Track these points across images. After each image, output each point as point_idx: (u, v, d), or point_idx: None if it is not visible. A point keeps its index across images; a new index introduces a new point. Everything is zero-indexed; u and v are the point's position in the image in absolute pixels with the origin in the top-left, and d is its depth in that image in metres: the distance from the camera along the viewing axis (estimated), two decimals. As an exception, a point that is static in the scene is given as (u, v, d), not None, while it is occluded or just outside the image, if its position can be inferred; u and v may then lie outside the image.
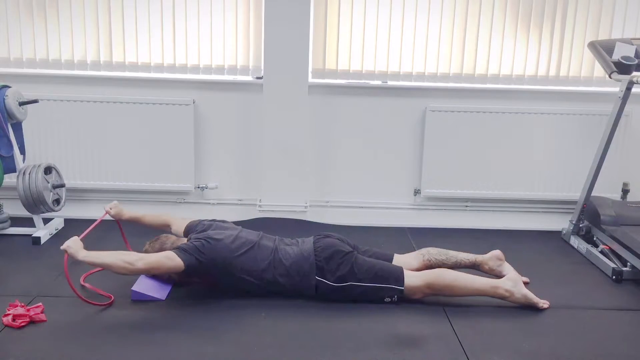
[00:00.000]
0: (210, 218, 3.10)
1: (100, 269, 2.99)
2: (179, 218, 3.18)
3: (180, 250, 2.70)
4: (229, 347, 2.37)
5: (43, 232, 3.49)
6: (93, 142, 3.99)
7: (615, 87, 3.65)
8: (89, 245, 3.43)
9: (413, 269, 2.90)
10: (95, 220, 3.05)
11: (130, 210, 3.25)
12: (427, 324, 2.60)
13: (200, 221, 3.04)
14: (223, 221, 3.06)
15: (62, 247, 2.62)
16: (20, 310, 2.51)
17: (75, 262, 3.16)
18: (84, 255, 2.61)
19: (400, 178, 4.16)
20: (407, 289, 2.74)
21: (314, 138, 4.06)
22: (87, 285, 2.84)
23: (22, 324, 2.46)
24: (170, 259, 2.66)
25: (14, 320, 2.47)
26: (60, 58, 3.97)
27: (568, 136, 4.05)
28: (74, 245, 2.63)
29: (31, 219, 3.55)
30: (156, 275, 2.84)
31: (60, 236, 3.60)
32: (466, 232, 3.93)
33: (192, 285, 2.89)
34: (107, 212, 3.18)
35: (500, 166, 4.09)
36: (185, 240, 2.92)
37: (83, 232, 2.85)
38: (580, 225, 3.72)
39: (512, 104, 4.05)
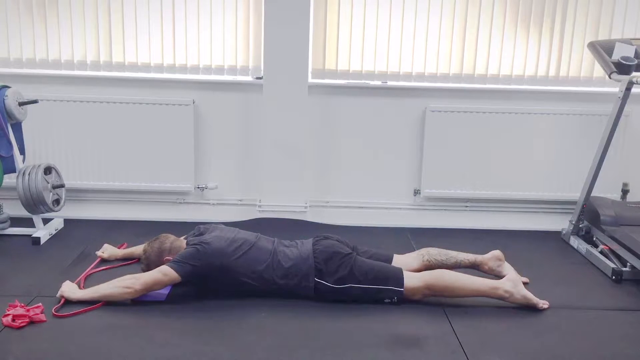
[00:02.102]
0: (206, 223, 3.11)
1: (100, 269, 3.00)
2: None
3: (174, 262, 2.71)
4: (229, 347, 2.37)
5: (43, 233, 3.49)
6: (93, 142, 3.98)
7: (615, 87, 3.65)
8: (90, 246, 3.44)
9: (413, 269, 2.90)
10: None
11: (121, 250, 3.28)
12: (427, 324, 2.60)
13: (197, 227, 3.05)
14: (218, 224, 3.06)
15: (57, 295, 2.68)
16: (20, 311, 2.51)
17: (75, 265, 3.17)
18: (80, 295, 2.67)
19: (400, 178, 4.16)
20: (406, 290, 2.74)
21: (314, 138, 4.06)
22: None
23: (22, 324, 2.46)
24: (166, 274, 2.68)
25: (13, 320, 2.47)
26: (60, 58, 3.97)
27: (568, 136, 4.05)
28: (67, 288, 2.70)
29: (31, 219, 3.55)
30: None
31: (59, 236, 3.60)
32: (466, 232, 3.93)
33: (192, 285, 2.89)
34: (100, 258, 3.20)
35: (500, 166, 4.09)
36: (183, 240, 2.92)
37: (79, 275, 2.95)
38: (580, 226, 3.72)
39: (512, 104, 4.05)
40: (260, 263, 2.76)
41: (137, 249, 3.19)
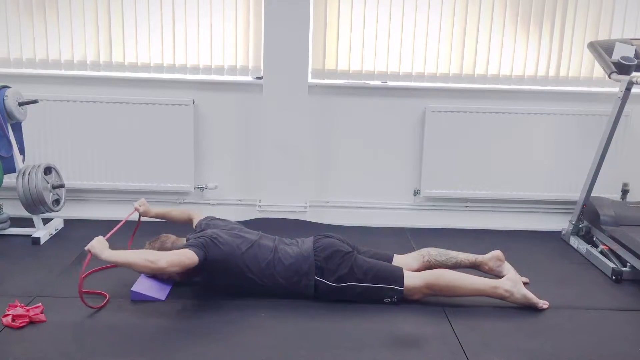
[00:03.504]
0: (208, 216, 3.12)
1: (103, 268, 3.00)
2: (200, 214, 3.23)
3: (194, 247, 2.70)
4: (229, 347, 2.37)
5: (43, 233, 3.49)
6: (93, 142, 3.99)
7: (615, 87, 3.65)
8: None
9: (413, 269, 2.90)
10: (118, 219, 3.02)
11: (156, 208, 3.29)
12: (427, 324, 2.60)
13: (208, 218, 3.06)
14: (222, 220, 3.06)
15: (86, 248, 2.61)
16: (19, 311, 2.51)
17: (75, 265, 3.17)
18: (108, 254, 2.61)
19: (400, 178, 4.17)
20: (406, 289, 2.74)
21: (314, 138, 4.06)
22: (84, 290, 2.82)
23: (22, 324, 2.46)
24: (188, 257, 2.65)
25: (13, 320, 2.47)
26: (60, 58, 3.97)
27: (568, 136, 4.05)
28: (98, 245, 2.62)
29: (31, 220, 3.55)
30: (157, 275, 2.84)
31: (59, 236, 3.60)
32: (466, 232, 3.93)
33: (192, 285, 2.90)
34: (136, 209, 3.18)
35: (500, 166, 4.09)
36: (184, 240, 2.91)
37: (109, 231, 2.85)
38: (580, 226, 3.72)
39: (512, 104, 4.05)
40: (262, 261, 2.76)
41: (171, 212, 3.25)
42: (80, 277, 2.61)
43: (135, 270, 2.68)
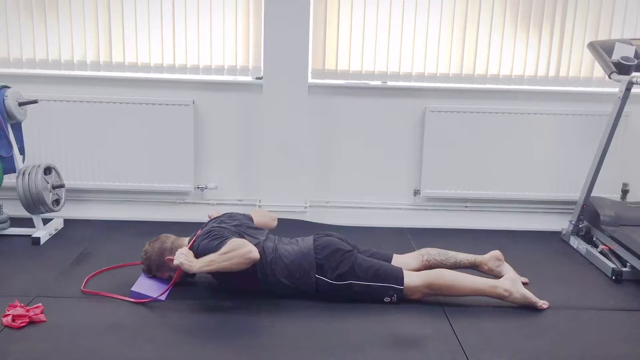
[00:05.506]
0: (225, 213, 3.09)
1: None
2: (255, 211, 3.24)
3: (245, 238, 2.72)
4: (229, 348, 2.37)
5: (43, 233, 3.49)
6: (93, 143, 3.98)
7: (614, 88, 3.65)
8: (90, 246, 3.44)
9: (412, 269, 2.90)
10: None
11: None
12: (427, 324, 2.60)
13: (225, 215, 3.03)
14: (231, 215, 3.04)
15: (175, 263, 2.61)
16: (19, 311, 2.51)
17: (75, 265, 3.17)
18: (198, 268, 2.60)
19: (400, 178, 4.16)
20: (406, 288, 2.74)
21: (314, 138, 4.06)
22: (88, 291, 2.82)
23: (22, 324, 2.46)
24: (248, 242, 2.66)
25: (13, 320, 2.47)
26: (59, 58, 3.97)
27: (568, 136, 4.05)
28: (186, 260, 2.60)
29: (31, 220, 3.55)
30: (156, 275, 2.84)
31: (59, 236, 3.60)
32: (466, 232, 3.93)
33: (192, 285, 2.90)
34: (211, 218, 3.08)
35: (500, 166, 4.09)
36: (185, 239, 2.90)
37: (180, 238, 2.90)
38: (580, 226, 3.72)
39: (512, 104, 4.05)
40: (264, 260, 2.75)
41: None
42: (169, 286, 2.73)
43: (234, 270, 2.61)
